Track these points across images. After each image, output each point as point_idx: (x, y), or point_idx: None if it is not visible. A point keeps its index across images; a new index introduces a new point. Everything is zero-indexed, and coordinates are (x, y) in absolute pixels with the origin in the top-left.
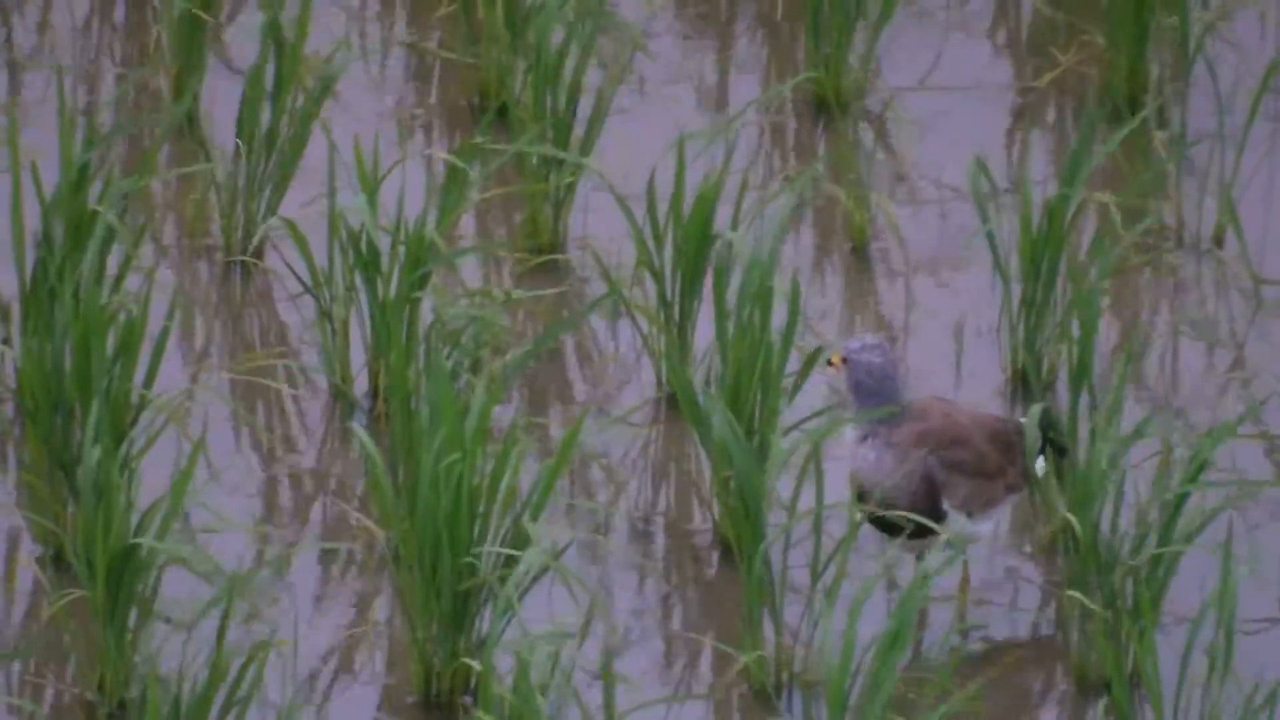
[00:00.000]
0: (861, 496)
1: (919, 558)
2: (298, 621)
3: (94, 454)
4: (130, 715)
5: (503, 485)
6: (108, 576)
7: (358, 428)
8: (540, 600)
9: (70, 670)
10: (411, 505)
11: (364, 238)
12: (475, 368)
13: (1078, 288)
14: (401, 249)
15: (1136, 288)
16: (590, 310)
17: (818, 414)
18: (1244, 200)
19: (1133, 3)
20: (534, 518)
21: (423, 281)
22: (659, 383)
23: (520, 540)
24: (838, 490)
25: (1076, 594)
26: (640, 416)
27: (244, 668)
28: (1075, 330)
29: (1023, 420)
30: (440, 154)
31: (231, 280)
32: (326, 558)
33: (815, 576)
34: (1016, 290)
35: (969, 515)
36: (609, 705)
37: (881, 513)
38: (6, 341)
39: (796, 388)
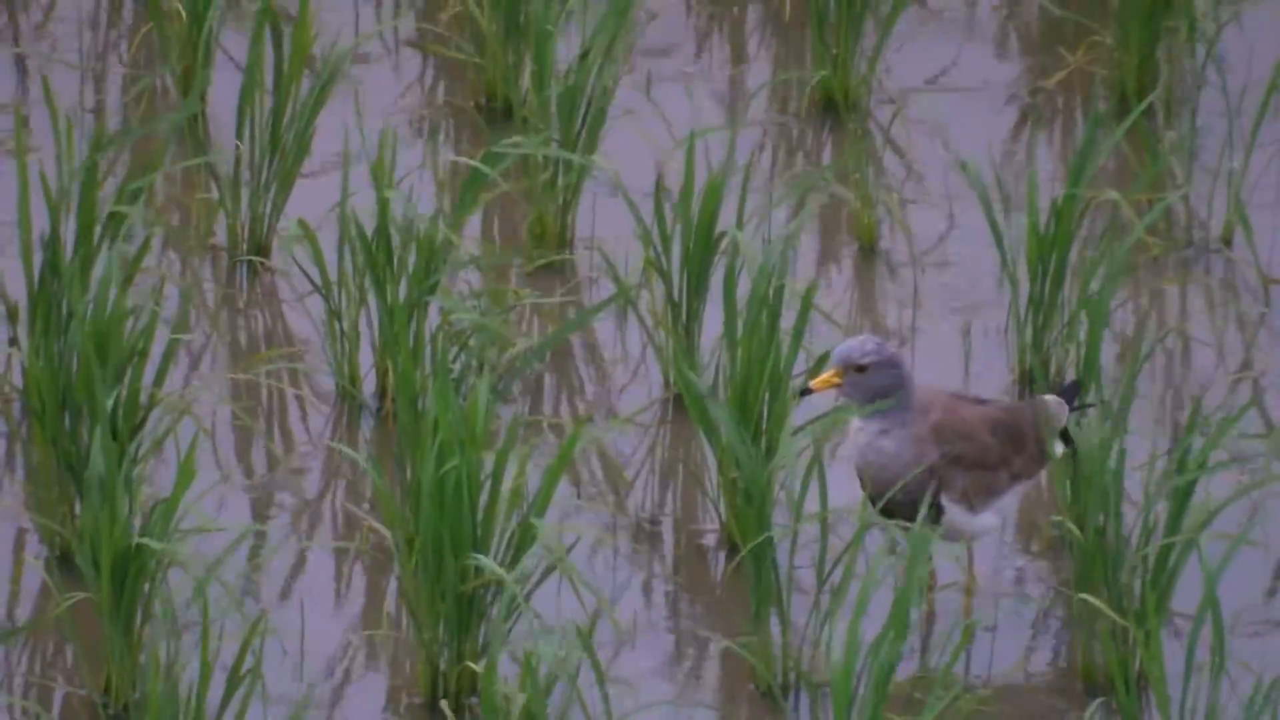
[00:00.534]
0: (871, 489)
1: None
2: (305, 622)
3: (99, 455)
4: (136, 715)
5: (506, 486)
6: (113, 577)
7: (339, 445)
8: (548, 601)
9: (77, 671)
10: (417, 507)
11: (375, 240)
12: (482, 369)
13: (1086, 287)
14: (412, 251)
15: (1145, 287)
16: (597, 311)
17: (824, 415)
18: (1253, 200)
19: (1143, 3)
20: (538, 518)
21: (433, 286)
22: (666, 383)
23: (526, 541)
24: (844, 490)
25: (1089, 598)
26: (647, 417)
27: (241, 655)
28: (1083, 330)
29: (1048, 398)
30: (457, 158)
31: (238, 280)
32: (334, 558)
33: (821, 577)
34: (1024, 290)
35: (970, 508)
36: (603, 701)
37: (886, 521)
38: (14, 343)
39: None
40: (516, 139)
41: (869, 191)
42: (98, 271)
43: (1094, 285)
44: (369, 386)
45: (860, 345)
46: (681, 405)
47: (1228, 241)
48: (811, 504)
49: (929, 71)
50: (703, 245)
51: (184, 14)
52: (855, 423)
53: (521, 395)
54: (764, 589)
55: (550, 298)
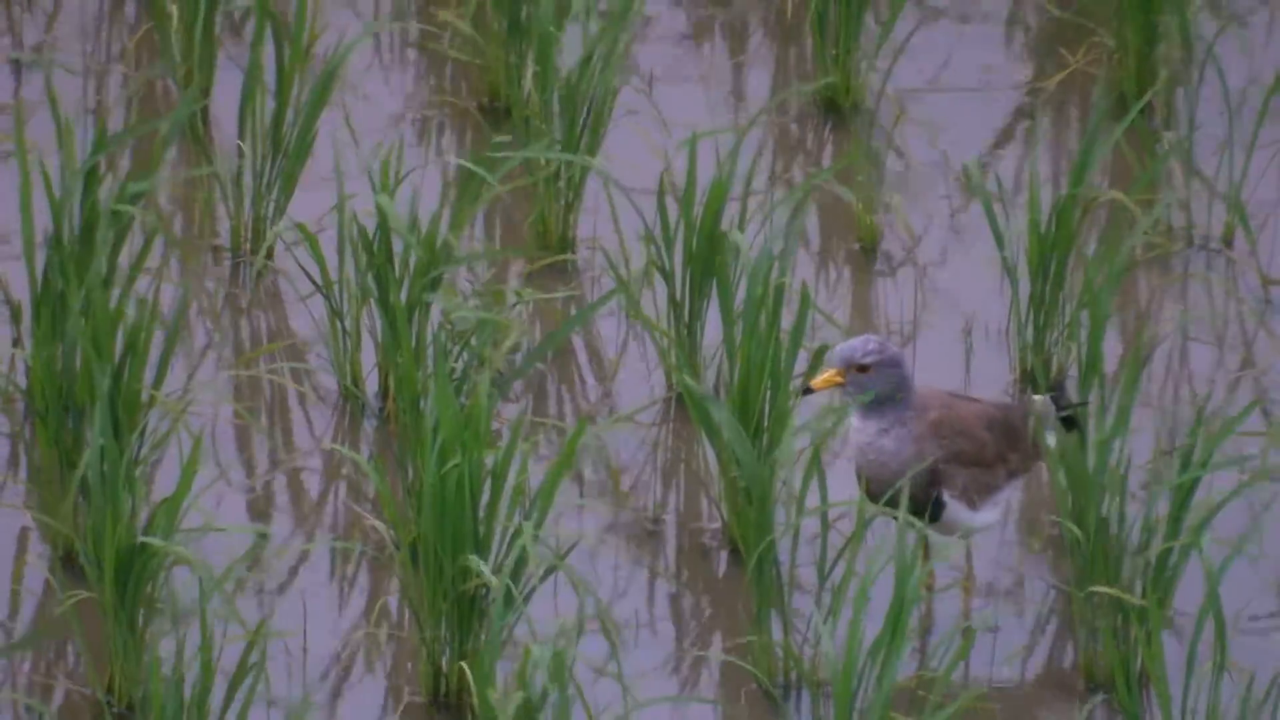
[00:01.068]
0: (870, 487)
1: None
2: (307, 621)
3: (100, 454)
4: (140, 714)
5: (507, 486)
6: (116, 576)
7: (341, 447)
8: (547, 601)
9: (80, 670)
10: (419, 506)
11: (377, 240)
12: (483, 366)
13: (1087, 287)
14: (414, 251)
15: (1145, 287)
16: (597, 307)
17: (826, 414)
18: (1253, 200)
19: (1141, 3)
20: (540, 518)
21: (434, 284)
22: (668, 382)
23: (526, 541)
24: (845, 489)
25: (1104, 589)
26: (649, 416)
27: (245, 655)
28: (1084, 330)
29: (1035, 397)
30: (456, 159)
31: (241, 280)
32: (336, 558)
33: (822, 575)
34: (1025, 290)
35: (970, 505)
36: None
37: (889, 511)
38: (17, 343)
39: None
40: (505, 138)
41: (870, 192)
42: (99, 271)
43: (1095, 285)
44: (371, 386)
45: (863, 344)
46: (683, 404)
47: (1228, 242)
48: (812, 503)
49: (930, 72)
50: (705, 245)
51: (184, 14)
52: (854, 422)
53: (523, 395)
54: (765, 588)
55: (552, 298)
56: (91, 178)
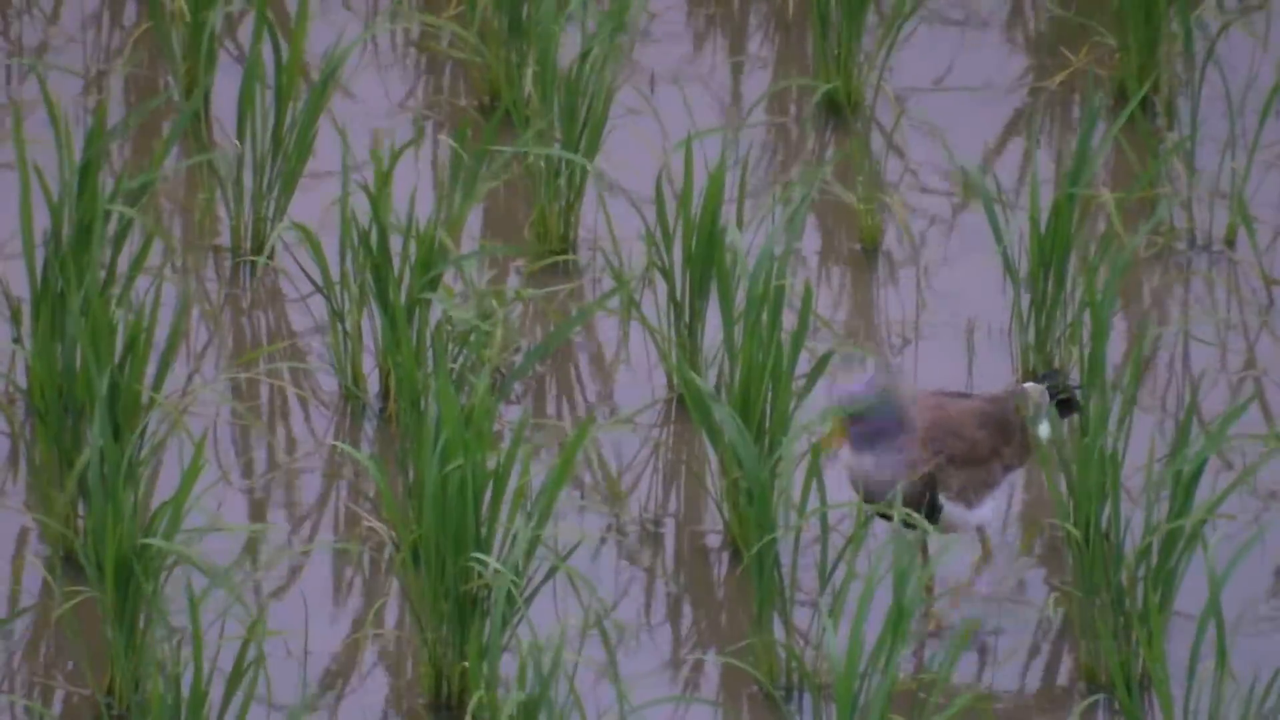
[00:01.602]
0: (866, 495)
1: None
2: (308, 622)
3: (100, 454)
4: (139, 716)
5: (509, 487)
6: (116, 577)
7: (343, 445)
8: (548, 603)
9: (80, 672)
10: (420, 507)
11: (374, 238)
12: (483, 367)
13: (1089, 288)
14: (412, 249)
15: (1148, 288)
16: (598, 306)
17: (826, 413)
18: (1256, 201)
19: (1144, 3)
20: (541, 520)
21: (433, 283)
22: (669, 383)
23: (529, 541)
24: (845, 490)
25: (1104, 590)
26: (650, 417)
27: (241, 655)
28: (1086, 330)
29: (1027, 386)
30: (447, 140)
31: (241, 280)
32: (337, 559)
33: (824, 577)
34: (1027, 290)
35: (967, 504)
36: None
37: (882, 510)
38: (18, 341)
39: (806, 389)
40: (493, 127)
41: (871, 192)
42: (97, 271)
43: (1097, 285)
44: (372, 387)
45: (851, 392)
46: (684, 405)
47: (1230, 242)
48: (813, 505)
49: (931, 72)
50: (705, 245)
51: (186, 14)
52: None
53: (524, 396)
54: (766, 590)
55: (553, 299)
56: (88, 173)
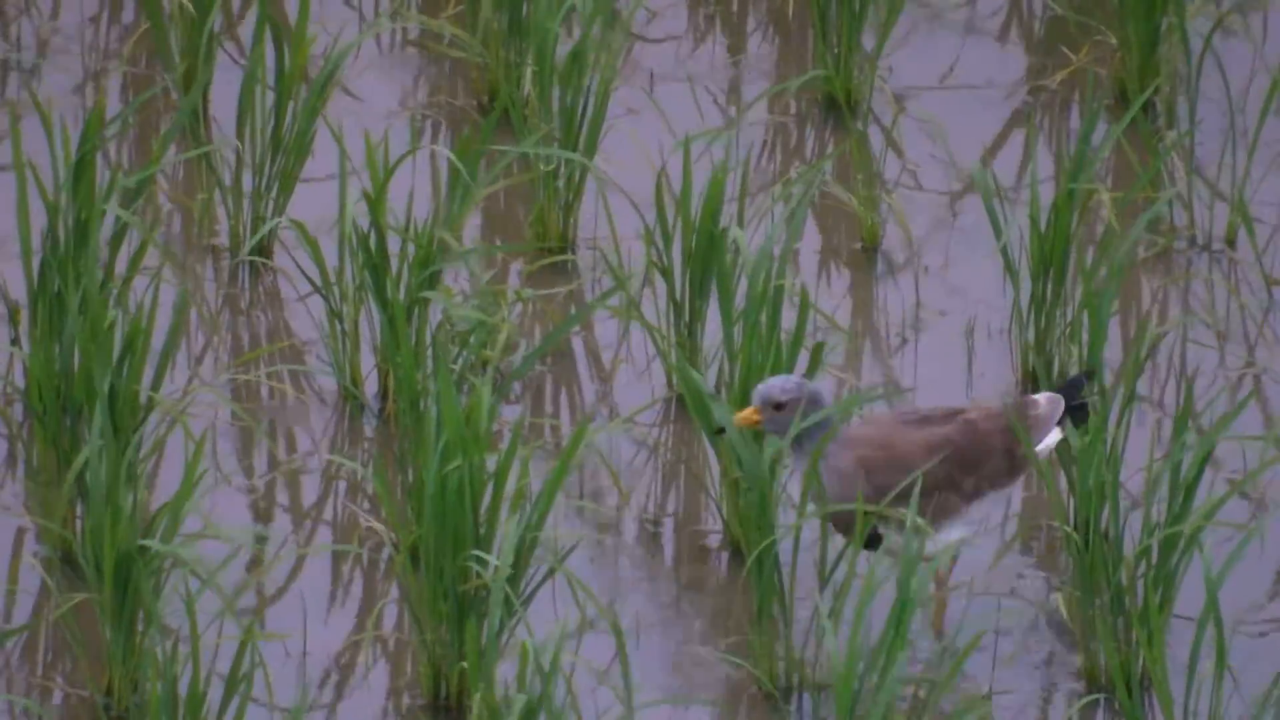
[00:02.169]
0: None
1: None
2: (307, 623)
3: (99, 455)
4: (137, 717)
5: (509, 487)
6: (115, 578)
7: (342, 458)
8: (547, 603)
9: (79, 673)
10: (419, 508)
11: (372, 238)
12: (484, 368)
13: (1087, 287)
14: (410, 249)
15: (1147, 288)
16: (598, 305)
17: (826, 412)
18: (1256, 199)
19: (1143, 1)
20: (540, 520)
21: (432, 282)
22: (668, 383)
23: (527, 543)
24: None
25: (1104, 591)
26: (649, 417)
27: (238, 656)
28: (1086, 330)
29: (1039, 397)
30: (442, 150)
31: (240, 281)
32: (336, 560)
33: (824, 578)
34: (1026, 290)
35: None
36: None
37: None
38: (15, 342)
39: None
40: (490, 126)
41: (870, 191)
42: (95, 271)
43: (1096, 285)
44: (371, 387)
45: (781, 383)
46: (683, 405)
47: (1231, 242)
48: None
49: (931, 70)
50: (705, 245)
51: (186, 13)
52: (789, 460)
53: (523, 396)
54: (766, 589)
55: (553, 299)
56: (83, 170)
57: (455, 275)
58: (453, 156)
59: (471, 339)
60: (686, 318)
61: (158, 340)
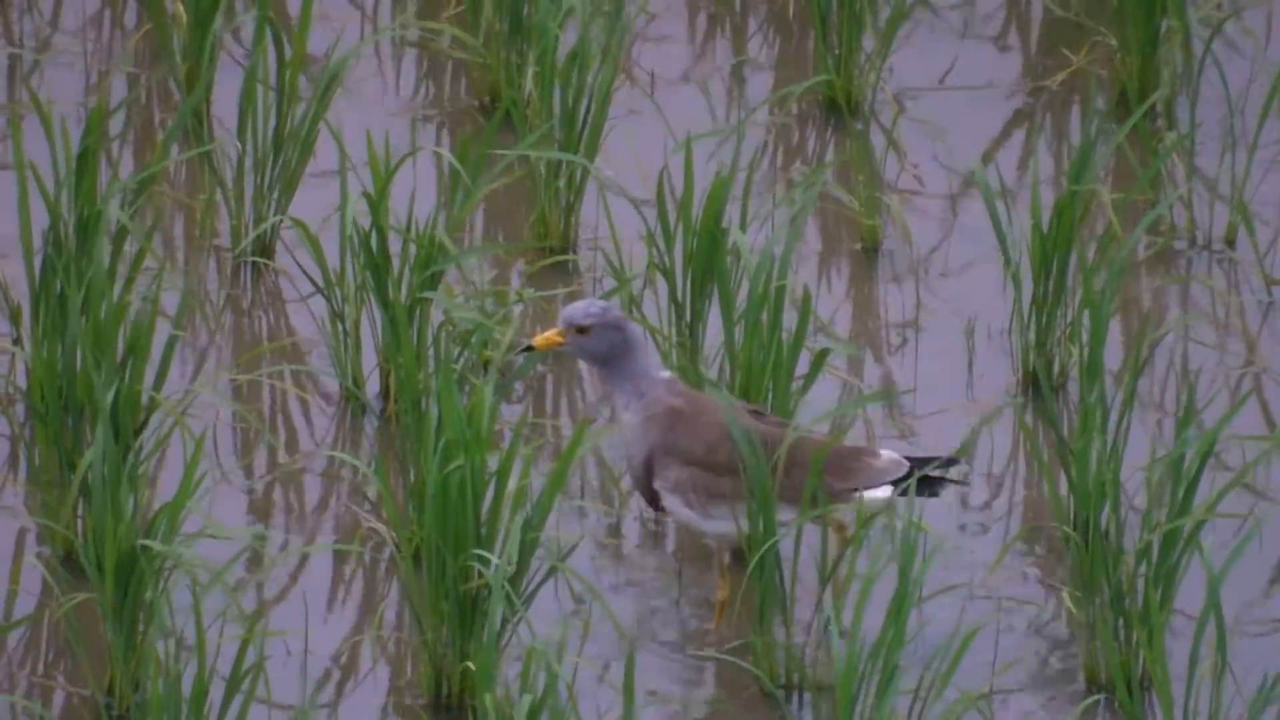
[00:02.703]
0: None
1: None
2: (308, 623)
3: (102, 455)
4: (139, 717)
5: (510, 487)
6: (116, 578)
7: (344, 455)
8: (548, 603)
9: (80, 673)
10: (420, 508)
11: (374, 238)
12: (486, 368)
13: (1087, 287)
14: (412, 249)
15: (1148, 288)
16: None
17: (828, 414)
18: (1256, 200)
19: (1143, 3)
20: (541, 520)
21: (433, 282)
22: None
23: (527, 542)
24: None
25: (1105, 591)
26: None
27: (240, 656)
28: (1086, 331)
29: (883, 452)
30: (443, 152)
31: (242, 281)
32: (338, 560)
33: (824, 578)
34: (1027, 290)
35: (689, 505)
36: (628, 703)
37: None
38: (17, 342)
39: (805, 387)
40: (493, 128)
41: (872, 192)
42: (99, 271)
43: (1096, 285)
44: (373, 387)
45: (585, 307)
46: None
47: (1231, 242)
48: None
49: (932, 71)
50: (706, 246)
51: (187, 14)
52: (616, 396)
53: (524, 396)
54: (767, 589)
55: (553, 299)
56: (85, 168)
57: (457, 276)
58: (454, 160)
59: (473, 339)
60: (688, 318)
61: (159, 340)
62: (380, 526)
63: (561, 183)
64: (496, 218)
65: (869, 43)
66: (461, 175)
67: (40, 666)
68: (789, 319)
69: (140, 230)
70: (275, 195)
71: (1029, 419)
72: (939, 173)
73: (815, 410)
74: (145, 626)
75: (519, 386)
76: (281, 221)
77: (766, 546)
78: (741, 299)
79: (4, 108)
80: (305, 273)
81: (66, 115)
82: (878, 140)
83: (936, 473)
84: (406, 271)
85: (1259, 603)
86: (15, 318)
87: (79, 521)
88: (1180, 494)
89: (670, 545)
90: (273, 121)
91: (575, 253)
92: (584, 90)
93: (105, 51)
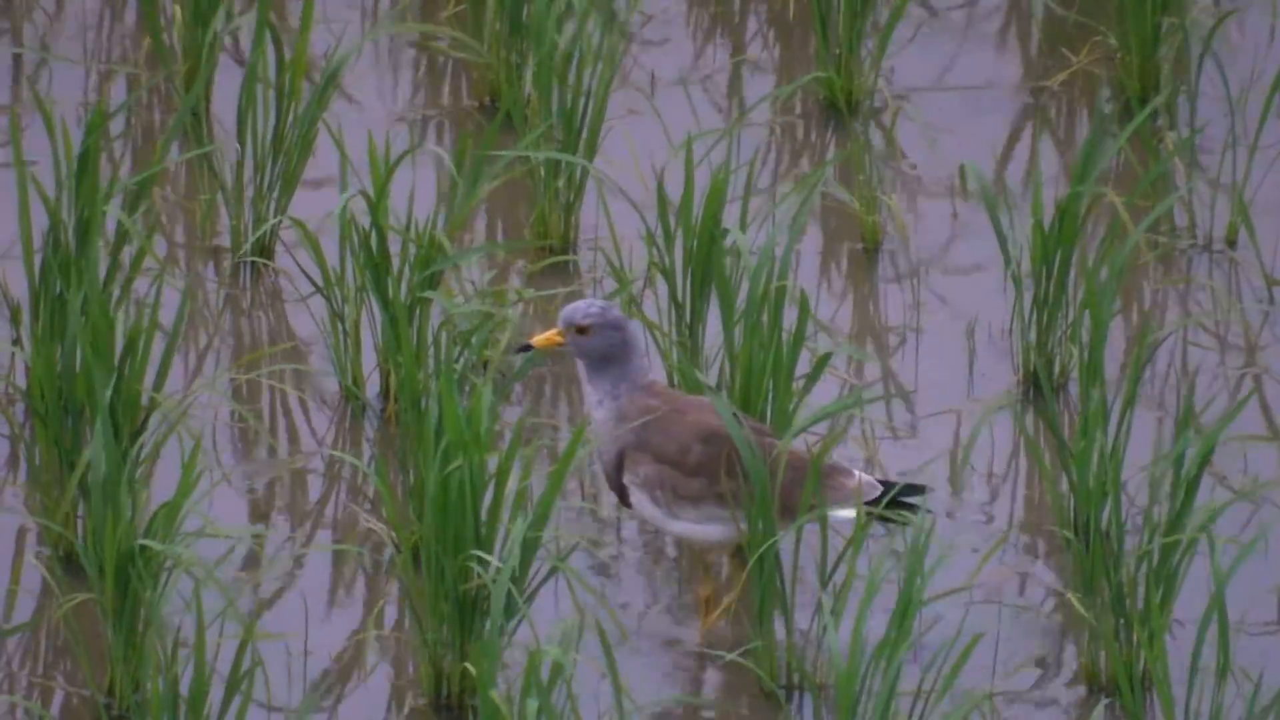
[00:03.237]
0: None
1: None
2: (308, 623)
3: (101, 455)
4: (138, 717)
5: (510, 487)
6: (116, 578)
7: (344, 454)
8: (549, 603)
9: (80, 673)
10: (420, 508)
11: (373, 238)
12: (485, 368)
13: (1088, 287)
14: (412, 249)
15: (1149, 288)
16: None
17: (828, 415)
18: (1256, 200)
19: (1143, 2)
20: (541, 520)
21: (433, 282)
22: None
23: (528, 542)
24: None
25: (1105, 592)
26: None
27: (239, 656)
28: (1086, 331)
29: (856, 472)
30: (442, 153)
31: (241, 281)
32: (337, 560)
33: (824, 578)
34: (1029, 290)
35: (656, 503)
36: (619, 705)
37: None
38: (17, 343)
39: (806, 389)
40: (495, 129)
41: (871, 192)
42: (97, 272)
43: (1097, 286)
44: (372, 387)
45: (585, 307)
46: None
47: (1231, 243)
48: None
49: (932, 71)
50: (706, 246)
51: (187, 14)
52: (588, 389)
53: (523, 396)
54: (768, 589)
55: (553, 299)
56: (85, 169)
57: (460, 274)
58: (451, 166)
59: (474, 340)
60: (688, 318)
61: (159, 341)
62: (380, 526)
63: (561, 183)
64: (496, 217)
65: (869, 43)
66: (462, 175)
67: (40, 666)
68: (789, 319)
69: (137, 230)
70: (275, 196)
71: (1029, 420)
72: (939, 173)
73: (816, 409)
74: (145, 627)
75: (518, 387)
76: (281, 222)
77: (766, 546)
78: (742, 299)
79: (5, 108)
80: (305, 273)
81: (67, 116)
82: (878, 140)
83: (908, 499)
84: (406, 271)
85: (1259, 602)
86: (15, 318)
87: (78, 521)
88: (1180, 495)
89: (669, 546)
90: (272, 122)
91: (575, 253)
92: (582, 91)
93: (106, 52)
